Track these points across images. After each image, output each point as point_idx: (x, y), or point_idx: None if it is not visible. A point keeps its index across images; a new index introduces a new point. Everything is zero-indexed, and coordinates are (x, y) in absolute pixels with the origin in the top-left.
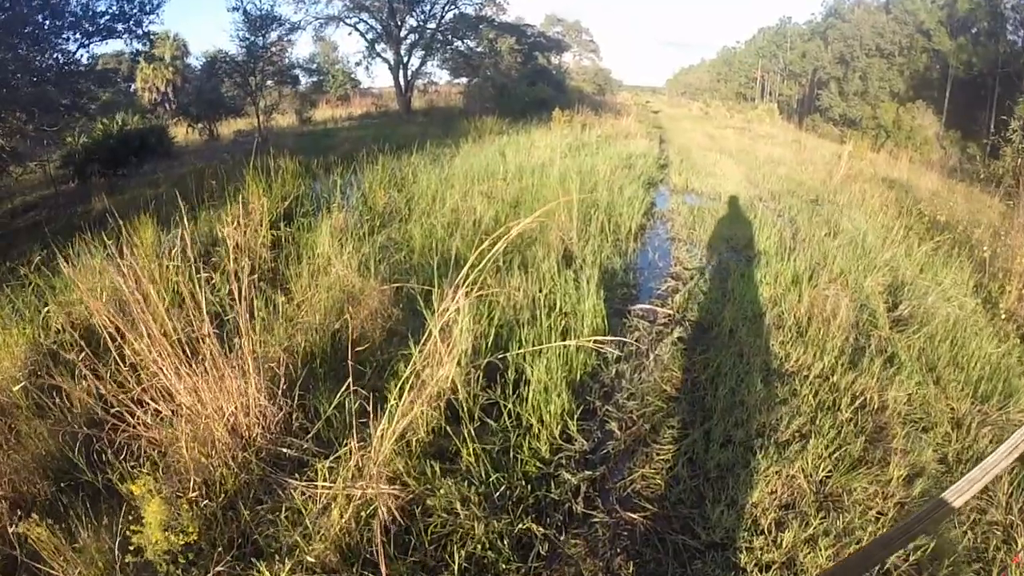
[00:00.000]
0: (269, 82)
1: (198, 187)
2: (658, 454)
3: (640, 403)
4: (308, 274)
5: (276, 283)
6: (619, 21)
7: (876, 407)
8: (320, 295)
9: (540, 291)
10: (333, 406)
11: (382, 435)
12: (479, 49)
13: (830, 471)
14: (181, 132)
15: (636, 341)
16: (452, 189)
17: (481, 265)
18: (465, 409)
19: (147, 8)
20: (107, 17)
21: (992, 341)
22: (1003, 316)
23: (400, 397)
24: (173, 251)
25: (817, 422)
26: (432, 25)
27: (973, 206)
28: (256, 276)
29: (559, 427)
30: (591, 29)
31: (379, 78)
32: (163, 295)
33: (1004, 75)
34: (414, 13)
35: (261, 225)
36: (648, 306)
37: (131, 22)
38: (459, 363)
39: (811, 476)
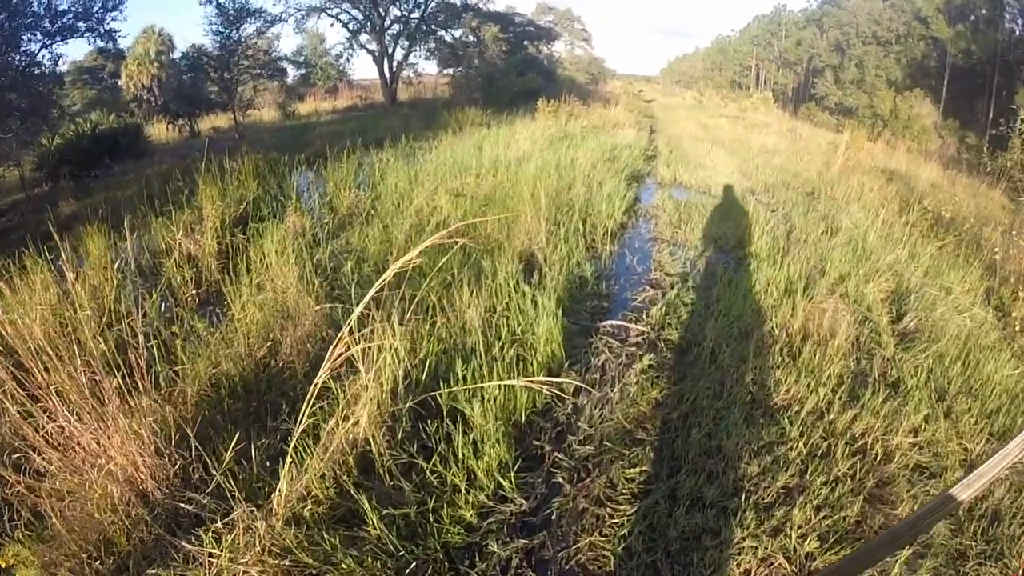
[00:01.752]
0: (246, 76)
1: (162, 189)
2: (612, 516)
3: (597, 448)
4: (247, 289)
5: (221, 298)
6: (613, 10)
7: (878, 455)
8: (253, 315)
9: (494, 309)
10: (230, 457)
11: (277, 498)
12: (465, 39)
13: (819, 545)
14: (160, 129)
15: (601, 368)
16: (421, 187)
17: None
18: (380, 463)
19: (110, 5)
20: (69, 16)
21: (1009, 363)
22: (1018, 327)
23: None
24: (118, 264)
25: (808, 476)
26: (417, 15)
27: (979, 201)
28: (201, 290)
29: (492, 485)
30: (583, 17)
31: (368, 69)
32: (91, 318)
33: (1003, 63)
34: (398, 3)
35: (214, 231)
36: (619, 322)
37: (93, 20)
38: (379, 404)
39: (794, 553)
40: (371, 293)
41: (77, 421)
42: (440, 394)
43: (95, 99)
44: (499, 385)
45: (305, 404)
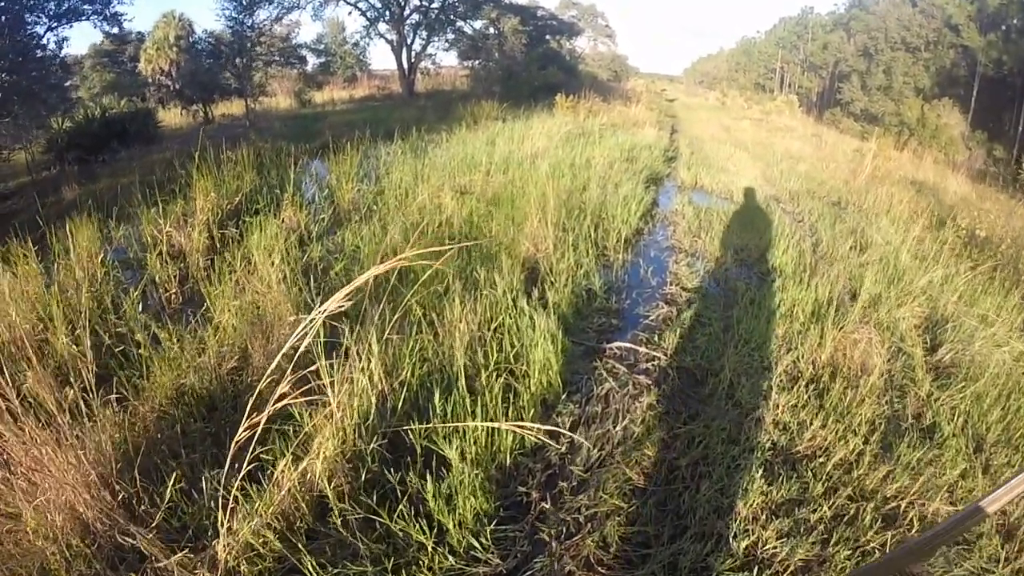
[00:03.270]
0: (259, 64)
1: (164, 177)
2: None
3: (592, 499)
4: (229, 291)
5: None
6: (637, 7)
7: (912, 522)
8: (228, 320)
9: (489, 325)
10: (170, 494)
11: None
12: (485, 30)
13: None
14: (175, 115)
15: (604, 398)
16: (427, 183)
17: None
18: (337, 511)
19: None
20: None
21: None
22: None
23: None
24: (102, 258)
25: (831, 546)
26: (437, 5)
27: (1016, 222)
28: (186, 287)
29: (464, 543)
30: (607, 14)
31: (387, 60)
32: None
33: None
34: None
35: (205, 225)
36: (628, 344)
37: (98, 3)
38: (344, 439)
39: None
40: (306, 326)
41: (21, 437)
42: (412, 430)
43: (114, 82)
44: (481, 426)
45: (254, 432)
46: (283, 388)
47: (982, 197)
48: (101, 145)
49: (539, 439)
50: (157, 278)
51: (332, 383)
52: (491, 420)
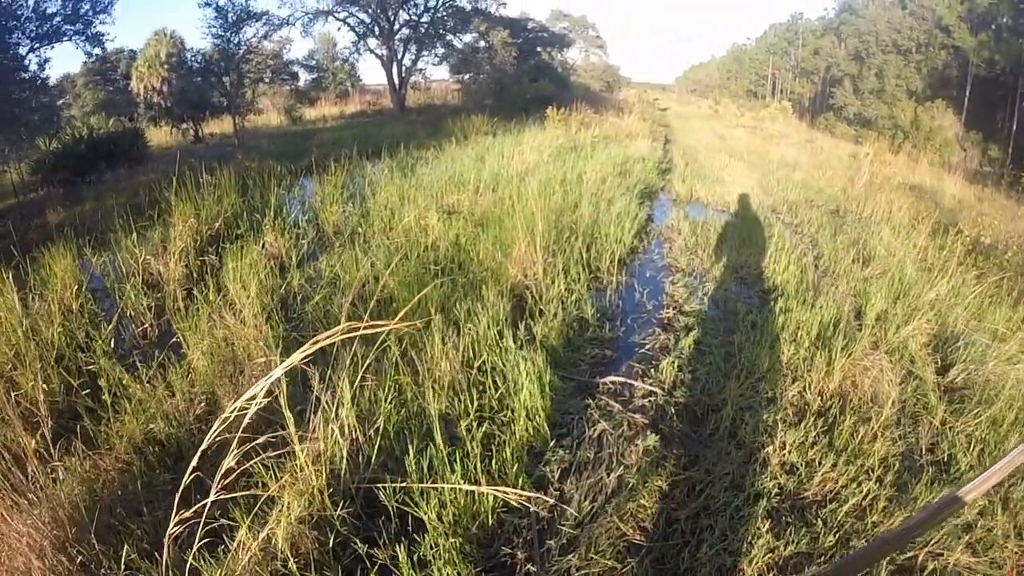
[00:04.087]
0: (246, 81)
1: (149, 200)
2: None
3: (583, 558)
4: (204, 326)
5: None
6: (628, 17)
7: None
8: (199, 361)
9: (471, 363)
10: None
11: None
12: (478, 44)
13: None
14: (165, 134)
15: (597, 442)
16: (413, 204)
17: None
18: None
19: (98, 8)
20: (58, 18)
21: None
22: None
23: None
24: (77, 289)
25: None
26: (426, 19)
27: (1021, 226)
28: (162, 320)
29: None
30: (598, 25)
31: (380, 75)
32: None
33: None
34: (407, 7)
35: (183, 252)
36: (623, 378)
37: (80, 23)
38: (310, 501)
39: None
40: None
41: None
42: (386, 487)
43: (106, 100)
44: (457, 488)
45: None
46: (231, 456)
47: (980, 199)
48: (88, 166)
49: (523, 498)
50: (132, 311)
51: (300, 437)
52: (472, 474)
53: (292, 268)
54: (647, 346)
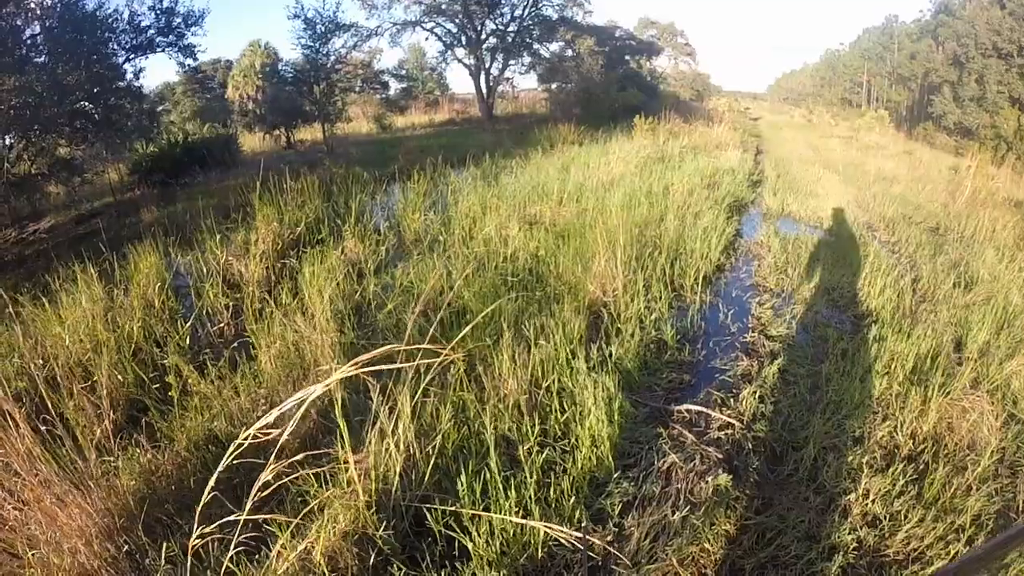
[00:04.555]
0: (335, 90)
1: (238, 202)
2: None
3: None
4: (276, 329)
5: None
6: (719, 24)
7: None
8: (267, 364)
9: (539, 383)
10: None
11: None
12: (564, 52)
13: None
14: (258, 140)
15: (665, 475)
16: (495, 213)
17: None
18: None
19: (190, 21)
20: (152, 30)
21: None
22: None
23: None
24: (159, 287)
25: None
26: (513, 28)
27: None
28: (240, 320)
29: None
30: (687, 32)
31: (470, 83)
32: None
33: None
34: (493, 16)
35: (264, 255)
36: (700, 407)
37: (173, 35)
38: (355, 517)
39: None
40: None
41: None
42: (433, 512)
43: (203, 108)
44: (505, 519)
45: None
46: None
47: None
48: (182, 169)
49: (599, 499)
50: (210, 310)
51: (353, 449)
52: (528, 503)
53: (369, 274)
54: (728, 372)
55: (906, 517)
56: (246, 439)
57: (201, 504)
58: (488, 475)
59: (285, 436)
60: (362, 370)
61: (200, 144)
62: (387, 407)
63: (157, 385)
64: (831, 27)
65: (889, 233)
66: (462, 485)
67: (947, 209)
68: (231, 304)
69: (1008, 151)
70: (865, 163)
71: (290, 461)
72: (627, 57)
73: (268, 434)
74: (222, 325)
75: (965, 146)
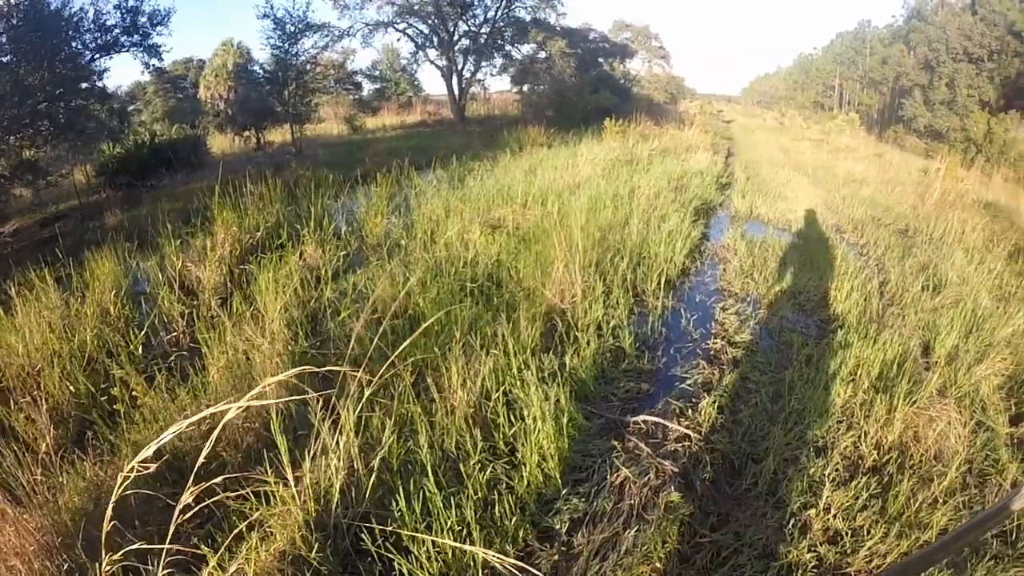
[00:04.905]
0: (304, 91)
1: (200, 205)
2: None
3: None
4: (230, 338)
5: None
6: (695, 27)
7: None
8: (215, 374)
9: (490, 395)
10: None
11: None
12: (537, 54)
13: None
14: (228, 141)
15: (618, 491)
16: (458, 217)
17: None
18: None
19: (156, 20)
20: (116, 30)
21: None
22: None
23: None
24: (118, 293)
25: None
26: (486, 30)
27: None
28: (194, 329)
29: None
30: (662, 34)
31: (444, 84)
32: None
33: None
34: (466, 18)
35: (222, 260)
36: (656, 419)
37: (138, 35)
38: (291, 538)
39: None
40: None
41: None
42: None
43: (175, 108)
44: (444, 545)
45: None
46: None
47: None
48: (149, 171)
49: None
50: (166, 317)
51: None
52: (469, 522)
53: (325, 281)
54: (688, 381)
55: (869, 533)
56: (131, 471)
57: (104, 534)
58: (429, 491)
59: (201, 458)
60: (260, 402)
61: (167, 145)
62: (330, 421)
63: (105, 397)
64: (805, 31)
65: (858, 235)
66: (401, 504)
67: (916, 211)
68: (186, 312)
69: (977, 153)
70: (835, 166)
71: (224, 478)
72: (601, 59)
73: (147, 467)
74: (177, 333)
75: (935, 149)
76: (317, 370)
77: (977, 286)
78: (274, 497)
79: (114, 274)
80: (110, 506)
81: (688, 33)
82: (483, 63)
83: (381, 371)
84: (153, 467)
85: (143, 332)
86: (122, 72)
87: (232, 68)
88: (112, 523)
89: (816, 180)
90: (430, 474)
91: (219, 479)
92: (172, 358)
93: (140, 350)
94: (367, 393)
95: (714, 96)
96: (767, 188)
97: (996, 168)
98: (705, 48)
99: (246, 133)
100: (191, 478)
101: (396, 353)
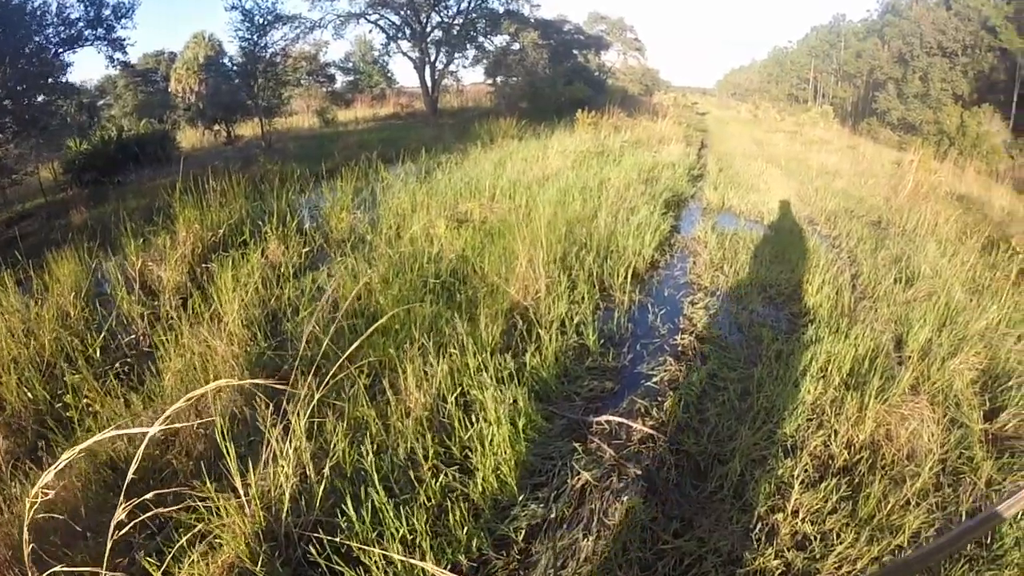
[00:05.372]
0: (274, 83)
1: (166, 202)
2: None
3: None
4: (187, 341)
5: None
6: (670, 19)
7: None
8: (170, 381)
9: (445, 397)
10: None
11: None
12: (510, 46)
13: None
14: (196, 135)
15: (579, 496)
16: (425, 211)
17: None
18: None
19: (120, 13)
20: (80, 23)
21: None
22: None
23: None
24: (78, 295)
25: None
26: (459, 21)
27: None
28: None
29: None
30: (637, 27)
31: (416, 77)
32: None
33: None
34: (438, 9)
35: (183, 259)
36: (620, 419)
37: (102, 28)
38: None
39: None
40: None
41: None
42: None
43: (145, 102)
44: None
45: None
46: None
47: None
48: (116, 167)
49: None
50: (126, 319)
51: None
52: (423, 529)
53: (286, 278)
54: (655, 378)
55: (839, 537)
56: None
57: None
58: (378, 501)
59: (130, 475)
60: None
61: (135, 141)
62: (281, 427)
63: (59, 404)
64: (780, 24)
65: (830, 227)
66: (350, 513)
67: (889, 203)
68: (146, 313)
69: (950, 146)
70: (808, 158)
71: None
72: (575, 51)
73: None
74: (136, 336)
75: (908, 141)
76: (237, 383)
77: (950, 279)
78: (224, 507)
79: (75, 275)
80: (25, 530)
81: (663, 25)
82: (456, 55)
83: (331, 372)
84: (52, 493)
85: (102, 335)
86: (92, 66)
87: (203, 61)
88: (32, 546)
89: (789, 172)
90: (376, 482)
91: (151, 494)
92: (130, 362)
93: (98, 354)
94: (317, 396)
95: (689, 88)
96: (740, 180)
97: (969, 161)
98: (680, 40)
99: (216, 127)
100: (122, 494)
101: (346, 354)
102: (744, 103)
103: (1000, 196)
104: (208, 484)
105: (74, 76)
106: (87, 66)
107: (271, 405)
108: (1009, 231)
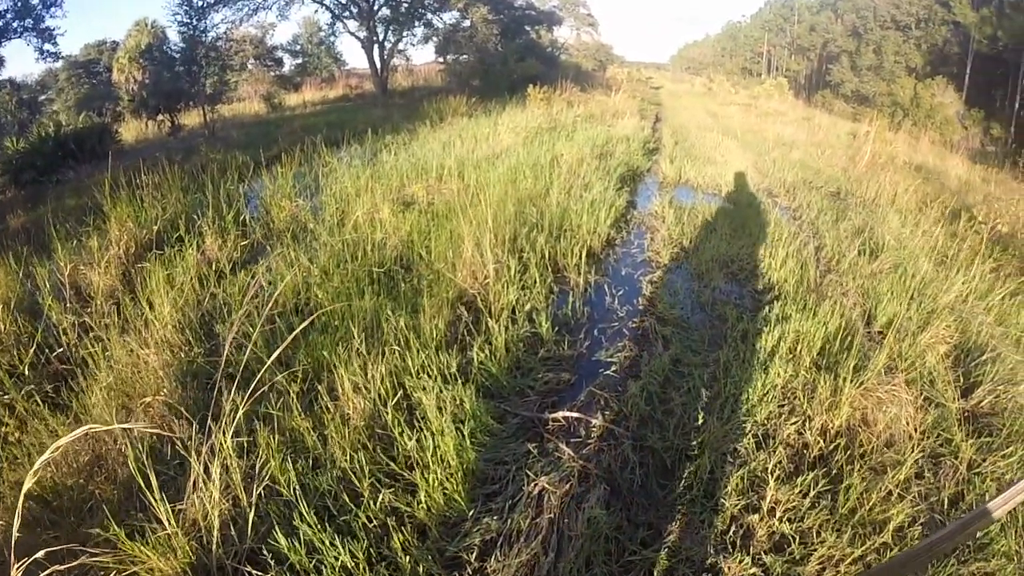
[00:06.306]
0: (214, 69)
1: (97, 201)
2: None
3: None
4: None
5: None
6: None
7: None
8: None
9: (385, 402)
10: None
11: None
12: (461, 23)
13: None
14: (140, 127)
15: (536, 503)
16: (370, 195)
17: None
18: None
19: (49, 2)
20: (8, 14)
21: None
22: None
23: None
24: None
25: None
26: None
27: None
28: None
29: None
30: (589, 2)
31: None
32: None
33: None
34: None
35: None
36: (577, 414)
37: (29, 19)
38: None
39: None
40: None
41: None
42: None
43: (89, 95)
44: None
45: None
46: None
47: (986, 180)
48: (55, 165)
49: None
50: (56, 329)
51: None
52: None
53: (223, 275)
54: (615, 366)
55: (819, 537)
56: None
57: None
58: (307, 526)
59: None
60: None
61: (73, 137)
62: (208, 445)
63: None
64: (731, 2)
65: (790, 199)
66: (281, 541)
67: (847, 174)
68: (78, 323)
69: (904, 117)
70: (764, 129)
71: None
72: (527, 27)
73: None
74: (68, 348)
75: (862, 112)
76: (105, 428)
77: (915, 250)
78: (140, 549)
79: (6, 284)
80: None
81: (616, 1)
82: (404, 33)
83: (257, 379)
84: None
85: (32, 349)
86: (33, 60)
87: (146, 49)
88: None
89: (745, 144)
90: (307, 506)
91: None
92: (60, 379)
93: (27, 370)
94: (242, 409)
95: (643, 64)
96: (696, 153)
97: (923, 132)
98: (633, 17)
99: (160, 117)
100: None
101: (272, 357)
102: (698, 77)
103: (955, 166)
104: (119, 527)
105: (11, 71)
106: (27, 60)
107: (194, 423)
108: (967, 200)
